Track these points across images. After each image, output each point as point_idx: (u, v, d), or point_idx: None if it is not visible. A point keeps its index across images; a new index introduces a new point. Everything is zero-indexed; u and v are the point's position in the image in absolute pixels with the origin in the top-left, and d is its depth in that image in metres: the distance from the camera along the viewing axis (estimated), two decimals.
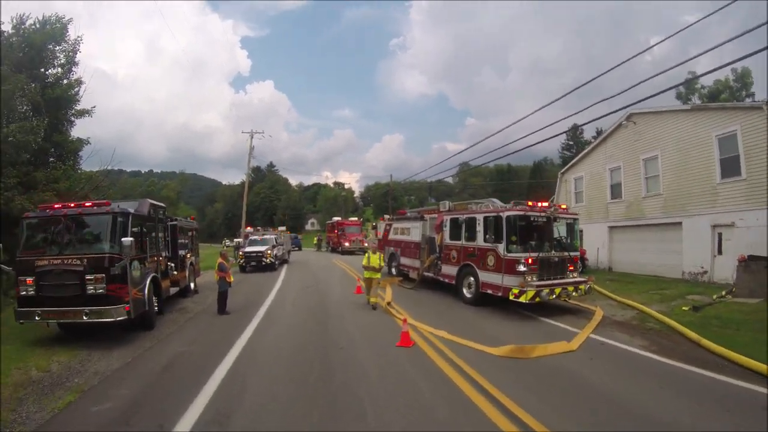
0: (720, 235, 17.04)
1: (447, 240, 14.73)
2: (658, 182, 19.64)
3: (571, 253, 12.91)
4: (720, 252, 17.01)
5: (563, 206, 13.63)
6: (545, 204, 12.67)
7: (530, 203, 12.50)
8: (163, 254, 12.43)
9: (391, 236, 19.99)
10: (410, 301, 13.81)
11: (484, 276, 12.57)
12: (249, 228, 34.92)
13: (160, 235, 12.34)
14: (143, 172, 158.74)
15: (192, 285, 15.86)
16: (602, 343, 9.09)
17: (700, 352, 8.30)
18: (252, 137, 41.76)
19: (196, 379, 6.77)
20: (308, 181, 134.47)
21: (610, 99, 13.79)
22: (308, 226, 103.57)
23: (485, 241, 12.70)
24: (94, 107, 17.59)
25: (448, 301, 14.10)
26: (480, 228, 12.98)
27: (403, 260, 18.47)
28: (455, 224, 14.39)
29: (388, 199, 68.63)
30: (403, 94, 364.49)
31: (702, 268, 17.46)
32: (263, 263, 24.21)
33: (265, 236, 28.11)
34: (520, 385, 6.60)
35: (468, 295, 13.37)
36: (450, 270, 14.34)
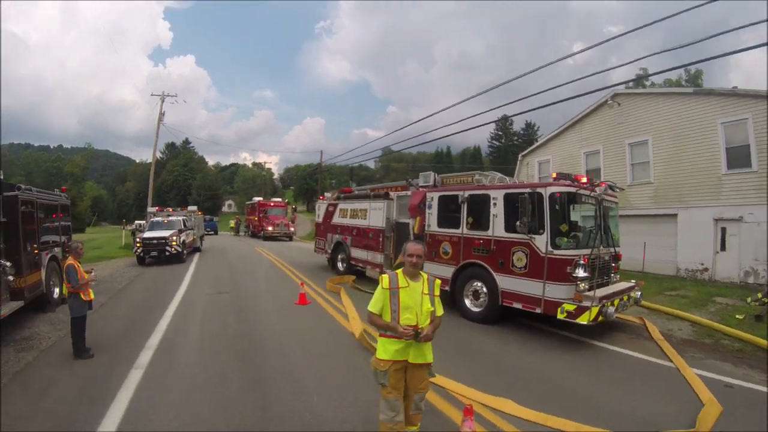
0: (724, 229, 14.54)
1: (433, 227, 9.73)
2: (648, 170, 16.44)
3: (616, 249, 8.58)
4: (723, 248, 14.51)
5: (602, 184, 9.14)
6: (584, 180, 8.08)
7: (576, 176, 7.92)
8: None
9: (337, 220, 14.65)
10: None
11: (507, 282, 7.86)
12: (157, 209, 26.81)
13: None
14: (52, 147, 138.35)
15: (56, 291, 9.53)
16: (728, 385, 5.69)
17: None
18: (163, 101, 34.35)
19: None
20: (226, 161, 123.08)
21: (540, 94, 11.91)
22: (225, 208, 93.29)
23: (509, 230, 7.93)
24: None
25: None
26: (498, 211, 8.19)
27: (356, 252, 13.22)
28: (448, 205, 9.46)
29: (315, 179, 61.64)
30: (326, 78, 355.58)
31: (702, 264, 14.92)
32: (167, 253, 17.61)
33: (171, 218, 21.00)
34: None
35: (474, 309, 8.57)
36: (440, 270, 9.28)
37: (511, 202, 7.95)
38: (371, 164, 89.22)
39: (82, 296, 6.17)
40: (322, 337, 7.30)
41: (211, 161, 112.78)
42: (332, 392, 4.97)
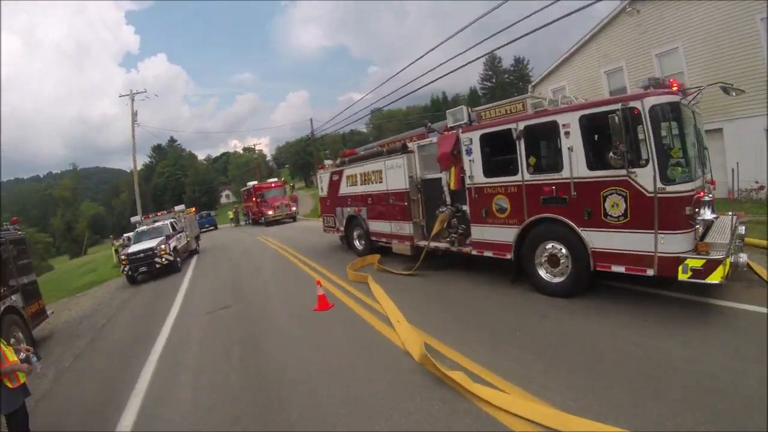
0: None
1: (478, 178, 7.43)
2: (683, 81, 14.11)
3: (711, 175, 6.65)
4: None
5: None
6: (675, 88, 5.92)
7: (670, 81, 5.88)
8: None
9: (345, 190, 12.46)
10: (446, 314, 6.48)
11: (600, 238, 5.75)
12: (145, 217, 22.81)
13: None
14: (42, 176, 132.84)
15: (21, 354, 7.26)
16: None
17: None
18: (133, 99, 31.73)
19: None
20: (216, 153, 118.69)
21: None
22: (224, 199, 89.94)
23: (594, 166, 5.75)
24: None
25: (504, 295, 6.96)
26: (574, 142, 5.89)
27: (376, 225, 11.12)
28: (496, 145, 7.14)
29: (309, 153, 57.97)
30: (302, 50, 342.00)
31: (757, 183, 13.12)
32: (158, 265, 14.97)
33: (157, 224, 17.99)
34: None
35: (553, 280, 6.44)
36: (495, 234, 7.20)
37: (591, 127, 5.75)
38: (362, 128, 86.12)
39: (8, 383, 4.03)
40: (365, 366, 5.02)
41: (201, 155, 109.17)
42: None
